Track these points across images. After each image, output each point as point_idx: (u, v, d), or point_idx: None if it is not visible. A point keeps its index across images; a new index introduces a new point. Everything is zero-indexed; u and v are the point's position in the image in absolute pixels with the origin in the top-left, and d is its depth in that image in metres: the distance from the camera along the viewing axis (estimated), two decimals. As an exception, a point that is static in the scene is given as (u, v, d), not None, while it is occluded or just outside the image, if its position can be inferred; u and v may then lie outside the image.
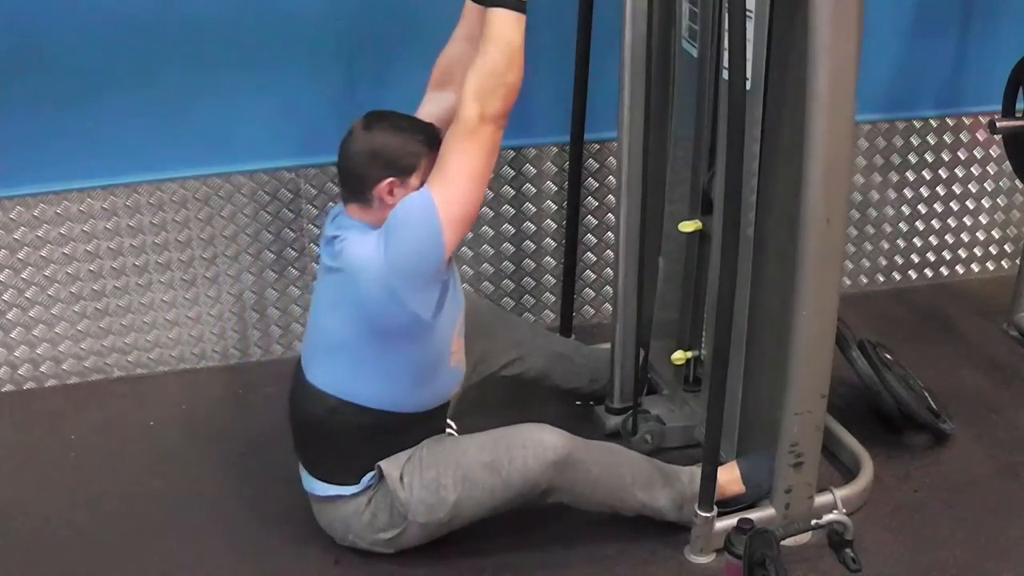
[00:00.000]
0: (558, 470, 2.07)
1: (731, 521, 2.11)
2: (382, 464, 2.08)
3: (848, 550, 2.15)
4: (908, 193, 3.15)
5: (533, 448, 2.07)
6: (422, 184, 1.99)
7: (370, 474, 2.10)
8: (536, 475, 2.06)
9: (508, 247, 2.96)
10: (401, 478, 2.08)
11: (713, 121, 2.22)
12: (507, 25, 1.94)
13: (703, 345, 2.44)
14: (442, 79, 2.19)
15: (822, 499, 2.21)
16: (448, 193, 1.95)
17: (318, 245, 2.80)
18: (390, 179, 1.99)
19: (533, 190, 2.91)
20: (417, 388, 2.11)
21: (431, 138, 2.03)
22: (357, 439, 2.10)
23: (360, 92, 2.69)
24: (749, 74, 1.95)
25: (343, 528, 2.16)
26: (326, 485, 2.14)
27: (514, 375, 2.50)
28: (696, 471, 2.18)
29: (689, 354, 2.45)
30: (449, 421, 2.24)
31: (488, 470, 2.07)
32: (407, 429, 2.11)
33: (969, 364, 2.85)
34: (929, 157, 3.12)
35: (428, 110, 2.18)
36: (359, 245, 2.01)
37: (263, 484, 2.33)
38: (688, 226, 2.32)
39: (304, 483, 2.20)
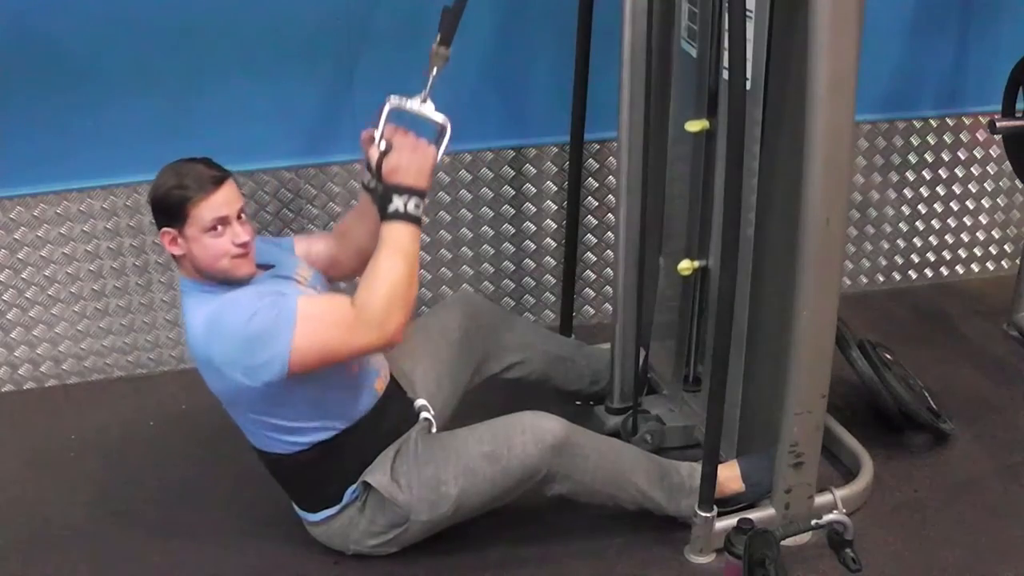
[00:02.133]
0: (557, 454, 2.07)
1: (731, 521, 2.11)
2: (367, 478, 2.08)
3: (848, 550, 2.15)
4: (908, 193, 3.16)
5: (532, 433, 2.07)
6: (206, 233, 1.93)
7: (352, 487, 2.10)
8: (536, 460, 2.07)
9: (508, 247, 2.96)
10: (395, 481, 2.08)
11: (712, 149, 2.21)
12: (408, 239, 1.96)
13: (704, 356, 2.43)
14: (340, 234, 2.29)
15: (822, 499, 2.21)
16: (306, 347, 1.90)
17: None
18: (164, 230, 1.95)
19: (533, 190, 2.91)
20: (332, 416, 2.07)
21: (197, 183, 1.93)
22: (318, 471, 2.10)
23: (360, 92, 2.69)
24: (749, 74, 1.95)
25: (343, 540, 2.17)
26: (313, 514, 2.15)
27: (516, 378, 2.50)
28: (695, 466, 2.19)
29: (696, 264, 2.34)
30: (423, 403, 2.22)
31: (488, 459, 2.07)
32: (360, 441, 2.10)
33: (969, 364, 2.85)
34: (929, 157, 3.12)
35: (322, 244, 2.27)
36: (193, 326, 1.97)
37: (263, 484, 2.32)
38: (695, 125, 2.22)
39: (296, 512, 2.20)
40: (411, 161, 1.96)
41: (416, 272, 1.97)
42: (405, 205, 1.95)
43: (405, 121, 2.02)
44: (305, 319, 1.91)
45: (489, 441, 2.09)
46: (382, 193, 1.97)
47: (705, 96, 2.23)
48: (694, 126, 2.22)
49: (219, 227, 1.94)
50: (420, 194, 1.97)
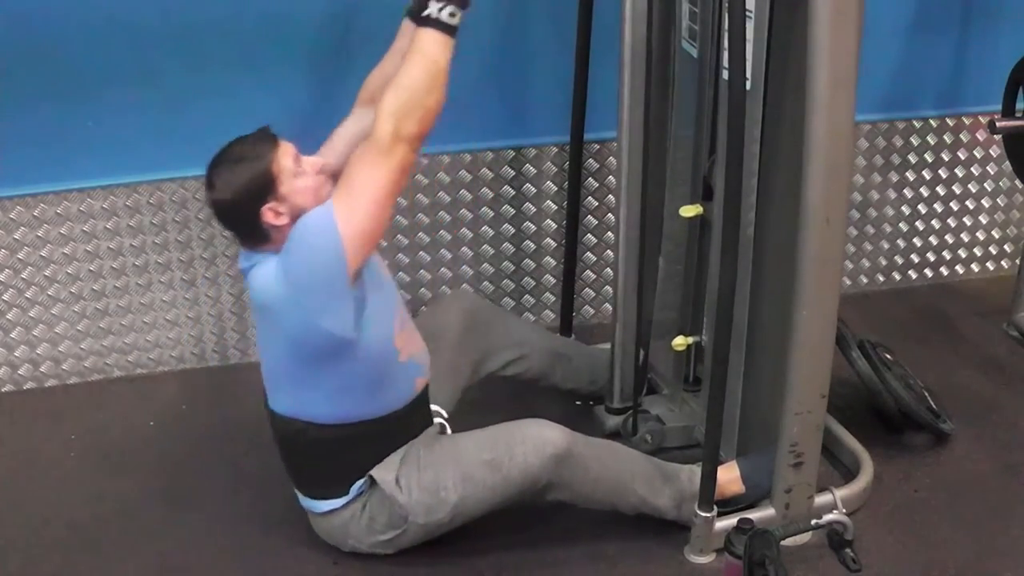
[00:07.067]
0: (558, 464, 2.07)
1: (731, 521, 2.11)
2: (374, 473, 2.08)
3: (848, 550, 2.15)
4: (908, 193, 3.16)
5: (533, 443, 2.07)
6: (297, 177, 1.96)
7: (360, 481, 2.10)
8: (536, 470, 2.07)
9: (508, 247, 2.96)
10: (397, 481, 2.08)
11: (713, 121, 2.22)
12: (435, 46, 1.89)
13: (704, 333, 2.43)
14: (374, 96, 2.09)
15: (822, 499, 2.21)
16: (350, 208, 1.90)
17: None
18: (266, 206, 1.94)
19: (533, 190, 2.91)
20: (372, 396, 2.08)
21: (264, 142, 1.98)
22: (334, 453, 2.09)
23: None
24: (749, 74, 1.95)
25: (342, 535, 2.17)
26: (319, 502, 2.15)
27: (514, 375, 2.50)
28: (696, 469, 2.18)
29: (690, 340, 2.43)
30: (438, 408, 2.23)
31: (489, 468, 2.07)
32: (383, 433, 2.10)
33: (969, 364, 2.85)
34: (929, 157, 3.12)
35: (351, 128, 2.19)
36: (262, 274, 1.98)
37: (263, 484, 2.33)
38: (689, 211, 2.29)
39: (300, 501, 2.20)
40: None
41: (440, 82, 1.89)
42: (440, 10, 1.87)
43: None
44: (336, 194, 1.92)
45: (490, 449, 2.09)
46: None
47: (706, 99, 2.23)
48: (689, 211, 2.29)
49: (298, 166, 1.96)
50: (459, 2, 1.89)
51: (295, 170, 1.96)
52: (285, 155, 1.96)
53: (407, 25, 2.12)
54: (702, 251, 2.36)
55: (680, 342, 2.41)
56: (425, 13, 1.89)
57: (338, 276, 1.92)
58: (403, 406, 2.12)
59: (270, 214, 1.95)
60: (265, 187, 1.94)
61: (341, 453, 2.09)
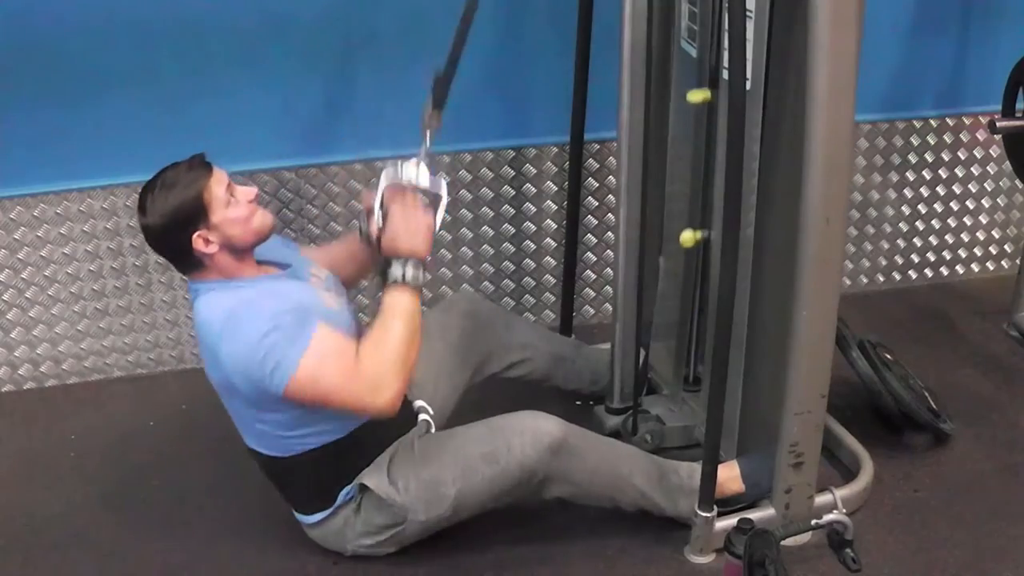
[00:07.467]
0: (555, 455, 2.07)
1: (731, 521, 2.11)
2: (364, 480, 2.07)
3: (848, 550, 2.15)
4: (908, 193, 3.16)
5: (531, 435, 2.07)
6: (229, 207, 1.94)
7: (347, 489, 2.10)
8: (534, 462, 2.06)
9: (508, 247, 2.96)
10: (393, 483, 2.07)
11: (713, 121, 2.22)
12: (409, 304, 1.98)
13: (704, 356, 2.44)
14: (330, 261, 2.28)
15: (822, 499, 2.21)
16: (306, 380, 1.89)
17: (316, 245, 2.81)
18: (195, 234, 1.92)
19: (533, 190, 2.91)
20: (334, 421, 2.05)
21: (197, 169, 1.94)
22: (315, 473, 2.09)
23: (360, 92, 2.69)
24: (749, 74, 1.95)
25: (339, 541, 2.17)
26: (309, 516, 2.16)
27: (516, 377, 2.51)
28: (695, 466, 2.18)
29: (698, 234, 2.29)
30: (422, 404, 2.22)
31: (486, 460, 2.07)
32: (361, 443, 2.09)
33: (969, 364, 2.85)
34: (929, 157, 3.12)
35: (318, 254, 2.30)
36: (204, 313, 1.96)
37: (263, 484, 2.32)
38: (696, 95, 2.18)
39: (294, 514, 2.20)
40: (406, 231, 2.00)
41: (419, 332, 1.99)
42: (403, 273, 1.98)
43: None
44: (315, 354, 1.90)
45: (487, 442, 2.09)
46: (382, 261, 2.01)
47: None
48: (696, 96, 2.19)
49: (231, 196, 1.95)
50: (418, 258, 2.00)
51: (227, 199, 1.94)
52: (218, 183, 1.94)
53: (359, 241, 2.19)
54: (709, 140, 2.28)
55: (688, 237, 2.27)
56: (391, 278, 1.98)
57: (273, 388, 1.90)
58: (369, 419, 2.09)
59: (200, 242, 1.93)
60: (196, 214, 1.92)
61: (321, 472, 2.09)
